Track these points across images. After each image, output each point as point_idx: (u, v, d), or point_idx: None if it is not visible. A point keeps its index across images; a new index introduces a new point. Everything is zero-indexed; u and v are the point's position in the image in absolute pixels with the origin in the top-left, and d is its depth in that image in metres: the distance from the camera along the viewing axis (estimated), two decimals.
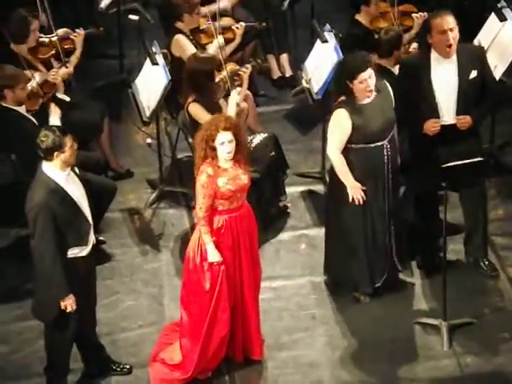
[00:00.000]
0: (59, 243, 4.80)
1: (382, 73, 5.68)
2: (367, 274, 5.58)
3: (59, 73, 6.39)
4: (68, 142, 4.84)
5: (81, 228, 4.91)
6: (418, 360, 5.33)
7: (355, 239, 5.52)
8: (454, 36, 5.42)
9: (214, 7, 6.96)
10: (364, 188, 5.36)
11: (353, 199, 5.37)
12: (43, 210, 4.75)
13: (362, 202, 5.37)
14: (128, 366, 5.32)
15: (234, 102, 6.01)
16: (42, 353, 5.31)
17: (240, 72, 6.38)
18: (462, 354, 5.34)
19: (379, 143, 5.36)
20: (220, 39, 6.50)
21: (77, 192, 4.91)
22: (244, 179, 5.03)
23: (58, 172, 4.85)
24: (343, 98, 5.37)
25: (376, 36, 6.34)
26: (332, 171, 5.51)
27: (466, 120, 5.52)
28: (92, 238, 5.00)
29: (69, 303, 4.87)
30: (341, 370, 5.31)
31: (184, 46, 6.66)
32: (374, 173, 5.41)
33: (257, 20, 7.18)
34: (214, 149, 4.96)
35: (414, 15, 6.70)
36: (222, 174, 4.99)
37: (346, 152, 5.37)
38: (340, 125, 5.33)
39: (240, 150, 5.00)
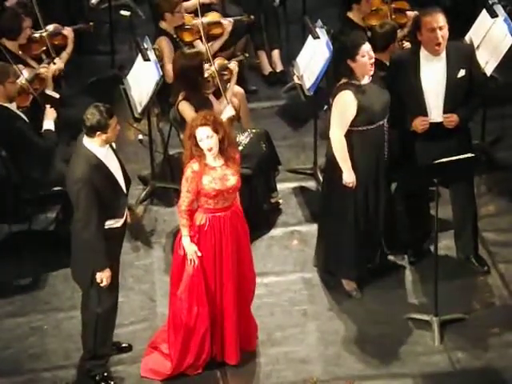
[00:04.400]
0: (100, 215, 4.90)
1: (376, 66, 5.67)
2: (357, 260, 5.59)
3: (50, 68, 6.37)
4: (112, 123, 4.92)
5: (119, 200, 5.03)
6: (409, 355, 5.35)
7: (353, 225, 5.51)
8: (442, 34, 5.42)
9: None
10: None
11: (345, 185, 5.39)
12: (86, 184, 4.86)
13: (353, 188, 5.39)
14: (127, 344, 5.36)
15: (228, 114, 5.96)
16: (33, 349, 5.31)
17: (229, 66, 6.38)
18: (453, 350, 5.35)
19: (380, 123, 5.39)
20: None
21: (114, 166, 5.02)
22: (232, 180, 5.00)
23: (98, 148, 4.93)
24: (344, 80, 5.35)
25: (369, 33, 6.34)
26: (329, 157, 5.49)
27: (452, 118, 5.53)
28: (126, 210, 5.11)
29: (105, 276, 4.97)
30: (332, 366, 5.32)
31: (163, 51, 6.62)
32: (376, 153, 5.42)
33: (248, 16, 7.17)
34: (199, 146, 4.96)
35: (408, 13, 6.69)
36: (209, 172, 4.98)
37: (348, 136, 5.36)
38: (345, 106, 5.31)
39: (224, 146, 4.96)
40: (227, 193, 5.01)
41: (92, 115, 4.88)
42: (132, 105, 6.35)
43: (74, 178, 4.89)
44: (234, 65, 6.39)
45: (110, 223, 5.02)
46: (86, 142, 4.95)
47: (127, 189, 5.16)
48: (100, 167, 4.91)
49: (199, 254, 5.02)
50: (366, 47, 5.30)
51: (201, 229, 5.04)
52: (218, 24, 6.90)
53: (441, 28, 5.41)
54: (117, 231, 5.08)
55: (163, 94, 6.44)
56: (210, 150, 4.94)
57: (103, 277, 4.97)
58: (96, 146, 4.93)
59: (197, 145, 4.95)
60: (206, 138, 4.92)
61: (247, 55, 6.81)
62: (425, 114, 5.54)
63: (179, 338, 5.14)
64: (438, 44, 5.43)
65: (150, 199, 6.54)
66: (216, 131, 4.93)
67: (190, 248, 5.02)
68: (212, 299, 5.11)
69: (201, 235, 5.04)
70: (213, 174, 4.98)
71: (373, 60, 5.33)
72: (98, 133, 4.89)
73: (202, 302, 5.08)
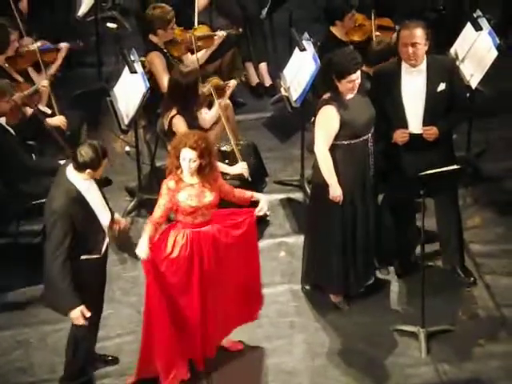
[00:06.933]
0: (73, 251, 4.80)
1: (365, 79, 5.68)
2: (345, 275, 5.60)
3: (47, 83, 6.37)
4: (104, 163, 4.85)
5: (96, 237, 4.93)
6: (396, 367, 5.35)
7: (340, 240, 5.52)
8: (414, 50, 5.41)
9: None
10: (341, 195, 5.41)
11: (332, 200, 5.40)
12: (62, 218, 4.76)
13: (340, 202, 5.40)
14: (112, 357, 5.34)
15: (237, 171, 5.92)
16: (19, 363, 5.28)
17: (225, 88, 6.43)
18: (440, 361, 5.36)
19: (364, 137, 5.41)
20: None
21: (96, 200, 4.92)
22: (209, 196, 4.99)
23: (80, 181, 4.85)
24: (328, 94, 5.38)
25: (351, 46, 6.36)
26: (315, 172, 5.51)
27: (432, 131, 5.54)
28: (105, 246, 5.00)
29: (75, 315, 4.83)
30: (320, 378, 5.32)
31: (156, 66, 6.63)
32: (361, 167, 5.44)
33: (236, 28, 7.19)
34: (179, 160, 4.95)
35: (395, 32, 6.71)
36: (185, 188, 4.97)
37: (333, 150, 5.38)
38: (328, 121, 5.34)
39: (204, 172, 4.94)
40: (205, 209, 5.00)
41: (86, 153, 4.77)
42: (119, 117, 6.35)
43: (51, 208, 4.80)
44: (234, 82, 6.44)
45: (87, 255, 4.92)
46: (69, 173, 4.85)
47: (112, 219, 5.04)
48: (79, 201, 4.81)
49: (147, 255, 4.89)
50: (355, 76, 5.31)
51: (179, 242, 4.99)
52: (209, 37, 6.93)
53: (413, 44, 5.40)
54: (94, 260, 4.95)
55: (150, 106, 6.45)
56: (188, 171, 4.93)
57: (74, 316, 4.84)
58: (79, 179, 4.84)
59: (177, 158, 4.94)
60: (189, 160, 4.91)
61: (243, 78, 6.82)
62: (405, 126, 5.56)
63: (144, 342, 5.11)
64: (409, 59, 5.44)
65: (137, 211, 6.53)
66: (201, 157, 4.92)
67: (143, 250, 4.90)
68: (178, 310, 5.05)
69: (176, 248, 4.97)
70: (190, 190, 4.97)
71: (356, 86, 5.33)
72: (88, 170, 4.82)
73: (161, 309, 5.02)
